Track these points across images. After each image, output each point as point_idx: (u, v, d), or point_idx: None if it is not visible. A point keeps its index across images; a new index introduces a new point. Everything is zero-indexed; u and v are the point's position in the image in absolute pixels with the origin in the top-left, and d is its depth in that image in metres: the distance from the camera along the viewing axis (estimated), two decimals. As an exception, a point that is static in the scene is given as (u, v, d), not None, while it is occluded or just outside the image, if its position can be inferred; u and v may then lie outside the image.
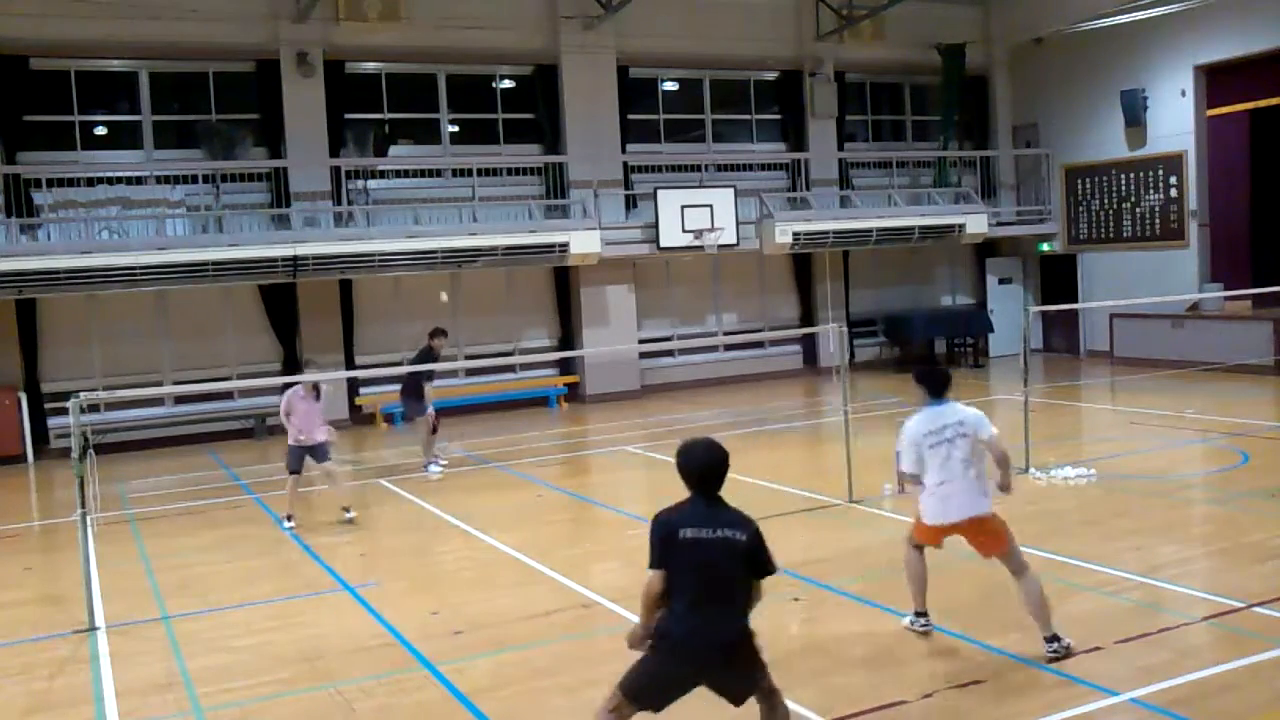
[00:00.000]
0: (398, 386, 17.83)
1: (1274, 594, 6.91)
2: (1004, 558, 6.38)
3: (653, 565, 4.56)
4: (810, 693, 5.78)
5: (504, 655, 6.66)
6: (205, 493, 12.65)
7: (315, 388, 10.81)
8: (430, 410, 13.02)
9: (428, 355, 13.16)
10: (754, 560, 4.55)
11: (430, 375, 13.00)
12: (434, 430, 13.30)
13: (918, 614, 6.68)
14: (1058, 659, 5.99)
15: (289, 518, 10.64)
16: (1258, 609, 6.66)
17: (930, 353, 21.77)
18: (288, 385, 11.06)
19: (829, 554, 8.57)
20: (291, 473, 10.74)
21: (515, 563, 8.85)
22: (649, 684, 4.56)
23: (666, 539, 4.53)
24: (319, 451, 10.75)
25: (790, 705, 5.62)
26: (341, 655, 6.85)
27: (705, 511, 4.56)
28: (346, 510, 10.77)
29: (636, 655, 4.61)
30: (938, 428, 6.44)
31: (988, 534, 6.41)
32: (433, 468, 13.14)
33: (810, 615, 7.18)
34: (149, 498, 12.51)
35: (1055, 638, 6.09)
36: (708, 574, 4.48)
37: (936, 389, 6.62)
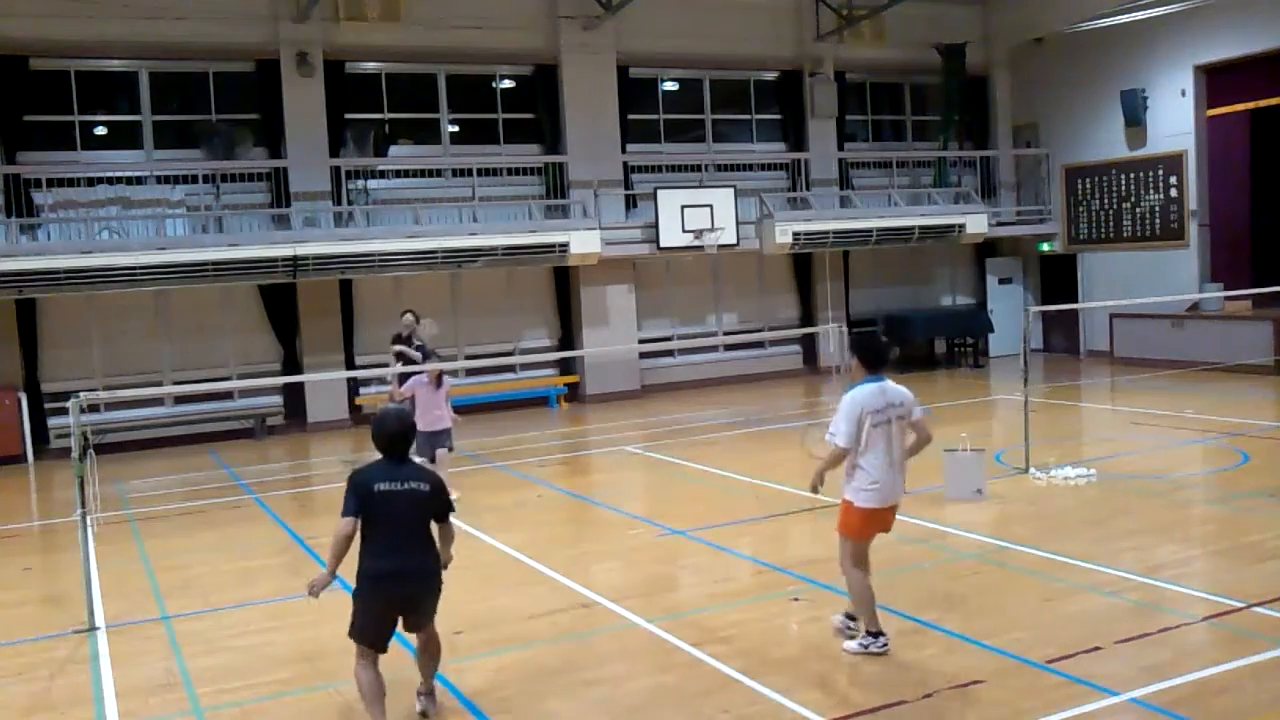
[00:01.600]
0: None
1: (1274, 594, 6.91)
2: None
3: (346, 513, 5.47)
4: (810, 693, 5.78)
5: (504, 655, 6.66)
6: (205, 493, 12.65)
7: (439, 376, 11.06)
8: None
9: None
10: (437, 506, 5.62)
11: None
12: None
13: (875, 634, 6.21)
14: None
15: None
16: (1258, 609, 6.66)
17: (930, 352, 21.79)
18: (408, 375, 11.27)
19: (829, 554, 8.53)
20: (430, 461, 10.96)
21: (515, 563, 8.85)
22: (367, 622, 5.52)
23: (362, 492, 5.45)
24: (441, 436, 11.03)
25: (790, 705, 5.65)
26: (341, 655, 6.83)
27: (394, 469, 5.54)
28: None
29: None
30: (883, 405, 6.10)
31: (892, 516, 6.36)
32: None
33: (810, 615, 7.17)
34: (149, 498, 12.50)
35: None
36: (400, 520, 5.46)
37: (876, 362, 6.25)
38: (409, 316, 13.05)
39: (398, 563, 5.44)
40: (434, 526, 5.68)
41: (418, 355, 12.22)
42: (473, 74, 18.75)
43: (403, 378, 11.42)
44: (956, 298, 22.98)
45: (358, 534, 5.49)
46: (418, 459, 10.96)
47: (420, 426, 10.58)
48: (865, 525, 6.26)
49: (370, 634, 5.52)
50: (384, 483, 5.46)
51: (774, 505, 10.26)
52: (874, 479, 6.09)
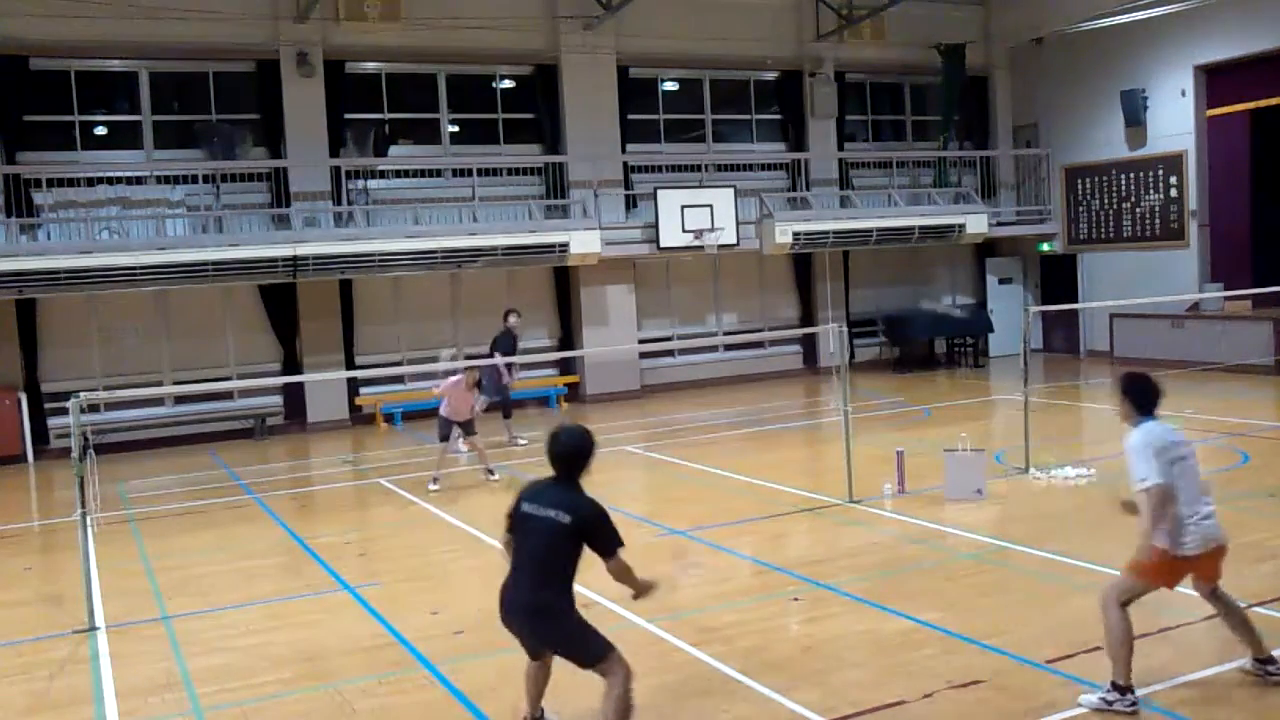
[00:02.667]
0: (397, 387, 18.03)
1: (1274, 594, 6.91)
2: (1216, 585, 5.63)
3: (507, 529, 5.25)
4: (810, 693, 5.78)
5: (504, 655, 6.64)
6: (205, 493, 12.65)
7: (478, 383, 12.30)
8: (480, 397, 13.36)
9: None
10: (584, 539, 5.08)
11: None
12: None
13: (1122, 689, 5.31)
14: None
15: (435, 479, 11.91)
16: (1258, 609, 6.65)
17: (930, 353, 21.79)
18: (450, 371, 12.38)
19: (829, 554, 8.57)
20: (441, 439, 12.18)
21: (515, 563, 8.84)
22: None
23: (512, 508, 5.21)
24: (468, 425, 12.26)
25: (790, 705, 5.65)
26: (341, 655, 6.85)
27: (547, 491, 5.14)
28: (490, 472, 12.22)
29: None
30: (1172, 442, 5.42)
31: (1220, 561, 5.55)
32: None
33: (810, 615, 7.18)
34: (149, 498, 12.50)
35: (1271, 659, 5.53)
36: (527, 547, 5.10)
37: (1148, 404, 5.59)
38: (514, 317, 14.77)
39: (512, 591, 5.14)
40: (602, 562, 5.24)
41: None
42: (473, 74, 18.76)
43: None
44: (956, 298, 22.98)
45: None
46: (443, 441, 11.94)
47: (448, 415, 12.06)
48: (1165, 573, 5.48)
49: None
50: (530, 503, 5.14)
51: (774, 506, 10.25)
52: (1188, 519, 5.38)
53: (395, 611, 7.59)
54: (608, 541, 5.10)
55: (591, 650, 5.09)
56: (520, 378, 18.79)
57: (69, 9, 15.23)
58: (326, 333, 17.19)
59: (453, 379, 12.11)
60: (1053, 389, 17.32)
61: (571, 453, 5.14)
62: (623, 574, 5.21)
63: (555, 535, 5.01)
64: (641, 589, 5.35)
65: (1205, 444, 12.34)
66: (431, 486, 11.85)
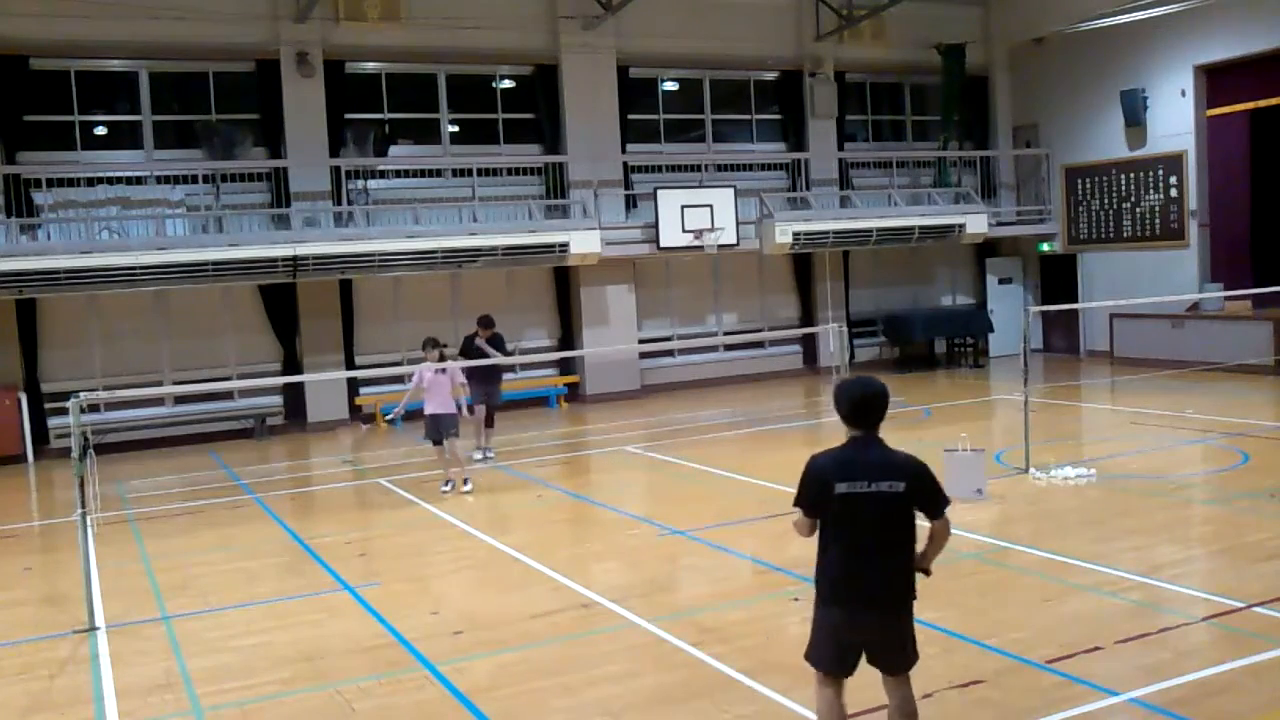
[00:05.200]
0: (397, 387, 18.00)
1: (1274, 594, 6.90)
2: None
3: (797, 504, 4.57)
4: (810, 692, 5.77)
5: (504, 655, 6.66)
6: (205, 493, 12.65)
7: (441, 358, 11.83)
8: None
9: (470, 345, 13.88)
10: (915, 504, 4.49)
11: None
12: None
13: None
14: None
15: (448, 482, 11.71)
16: (1258, 609, 6.66)
17: (930, 353, 21.78)
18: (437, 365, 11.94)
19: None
20: (434, 444, 11.82)
21: (515, 563, 8.85)
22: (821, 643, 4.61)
23: (815, 489, 4.48)
24: (445, 423, 11.62)
25: (791, 705, 5.65)
26: (341, 655, 6.85)
27: (862, 459, 4.45)
28: (465, 481, 11.77)
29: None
30: None
31: None
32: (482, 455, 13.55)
33: (810, 615, 7.16)
34: (149, 498, 12.50)
35: None
36: (863, 528, 4.44)
37: None
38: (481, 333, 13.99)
39: (851, 586, 4.47)
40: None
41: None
42: (473, 74, 18.75)
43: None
44: (956, 298, 22.98)
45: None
46: (431, 441, 11.66)
47: (428, 410, 11.68)
48: None
49: (821, 659, 4.63)
50: (846, 481, 4.38)
51: (774, 506, 10.25)
52: None
53: (395, 611, 7.59)
54: (938, 498, 4.46)
55: (914, 650, 4.59)
56: (521, 377, 18.89)
57: (69, 9, 15.24)
58: (326, 333, 17.19)
59: (424, 366, 11.64)
60: (1053, 389, 17.32)
61: (878, 399, 4.46)
62: (943, 536, 4.53)
63: (894, 510, 4.40)
64: (933, 559, 4.61)
65: (1205, 444, 12.37)
66: (444, 489, 11.66)
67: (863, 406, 4.48)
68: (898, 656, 4.56)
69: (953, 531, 4.62)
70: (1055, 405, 15.84)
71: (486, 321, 13.92)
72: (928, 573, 4.60)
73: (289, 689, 6.30)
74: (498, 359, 13.57)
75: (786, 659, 6.32)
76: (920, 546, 4.56)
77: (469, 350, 13.78)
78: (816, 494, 4.43)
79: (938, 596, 7.17)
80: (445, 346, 12.26)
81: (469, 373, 12.64)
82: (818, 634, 4.63)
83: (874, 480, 4.37)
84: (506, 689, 6.11)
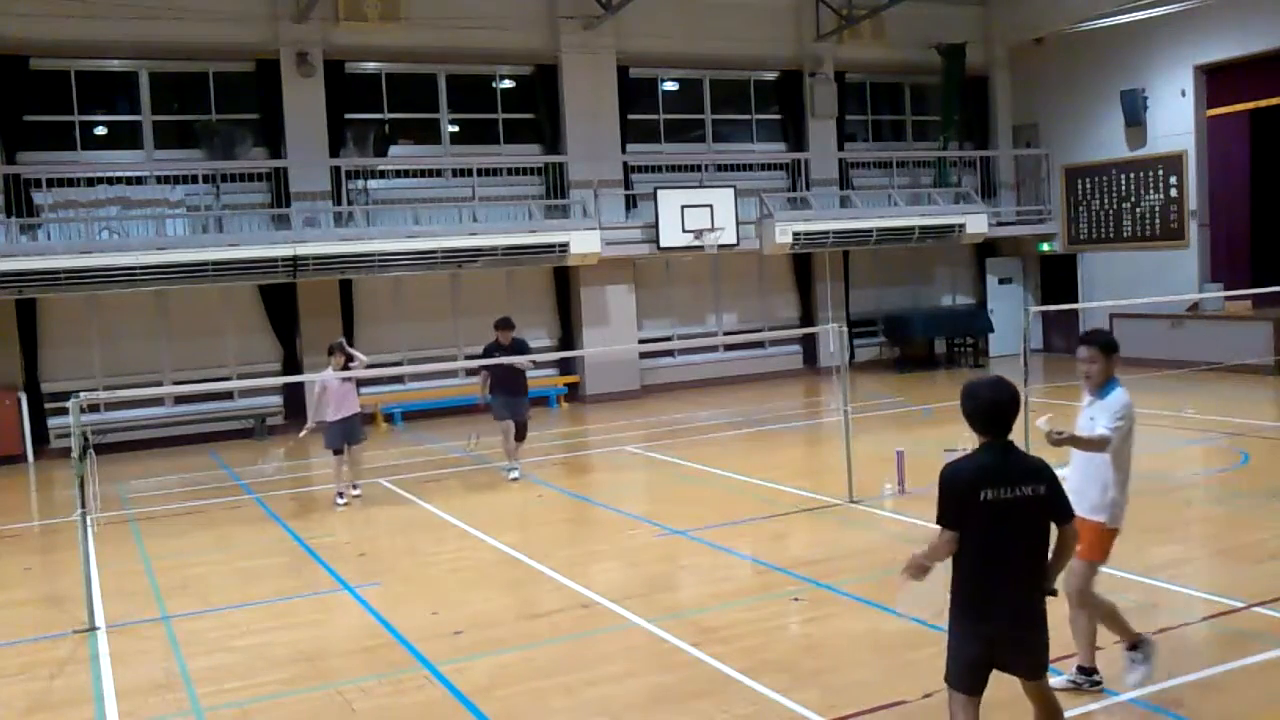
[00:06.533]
0: (397, 387, 18.02)
1: (1274, 594, 6.90)
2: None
3: (943, 523, 4.36)
4: (811, 693, 5.78)
5: (504, 655, 6.66)
6: (205, 493, 12.65)
7: (345, 366, 11.41)
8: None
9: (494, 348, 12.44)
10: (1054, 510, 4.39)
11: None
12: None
13: (1088, 670, 5.62)
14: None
15: (340, 495, 11.48)
16: (1257, 609, 6.66)
17: (930, 353, 21.78)
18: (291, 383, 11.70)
19: (829, 554, 8.57)
20: (335, 453, 11.48)
21: (515, 563, 8.85)
22: (958, 663, 4.48)
23: (956, 500, 4.29)
24: (355, 428, 11.53)
25: (790, 705, 5.65)
26: (341, 655, 6.86)
27: (1000, 463, 4.28)
28: (354, 486, 11.63)
29: None
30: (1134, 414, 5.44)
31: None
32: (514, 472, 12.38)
33: (810, 615, 7.18)
34: (149, 498, 12.51)
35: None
36: (1009, 536, 4.27)
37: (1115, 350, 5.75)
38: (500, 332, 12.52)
39: (994, 598, 4.29)
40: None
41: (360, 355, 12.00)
42: (473, 74, 18.76)
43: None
44: (956, 298, 22.98)
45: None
46: (332, 449, 11.39)
47: (330, 417, 11.34)
48: (1107, 548, 5.61)
49: (964, 680, 4.46)
50: (990, 488, 4.17)
51: (774, 506, 10.25)
52: (1123, 494, 5.58)
53: (395, 611, 7.59)
54: (1068, 502, 4.35)
55: (1047, 654, 4.45)
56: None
57: (69, 9, 15.23)
58: (326, 333, 17.08)
59: (325, 372, 11.38)
60: (1053, 389, 17.32)
61: (1011, 403, 4.24)
62: (1073, 541, 4.44)
63: (1039, 515, 4.23)
64: (1062, 564, 4.48)
65: (1205, 444, 12.37)
66: (339, 500, 11.39)
67: (999, 412, 4.27)
68: (1037, 661, 4.45)
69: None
70: (1055, 405, 15.83)
71: (508, 323, 12.54)
72: (1054, 593, 4.48)
73: (289, 689, 6.30)
74: (529, 367, 12.57)
75: (786, 659, 6.33)
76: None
77: (494, 361, 12.23)
78: (961, 504, 4.22)
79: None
80: (350, 351, 11.63)
81: (493, 385, 12.19)
82: (959, 653, 4.43)
83: (1018, 485, 4.19)
84: (506, 689, 6.11)
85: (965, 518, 4.22)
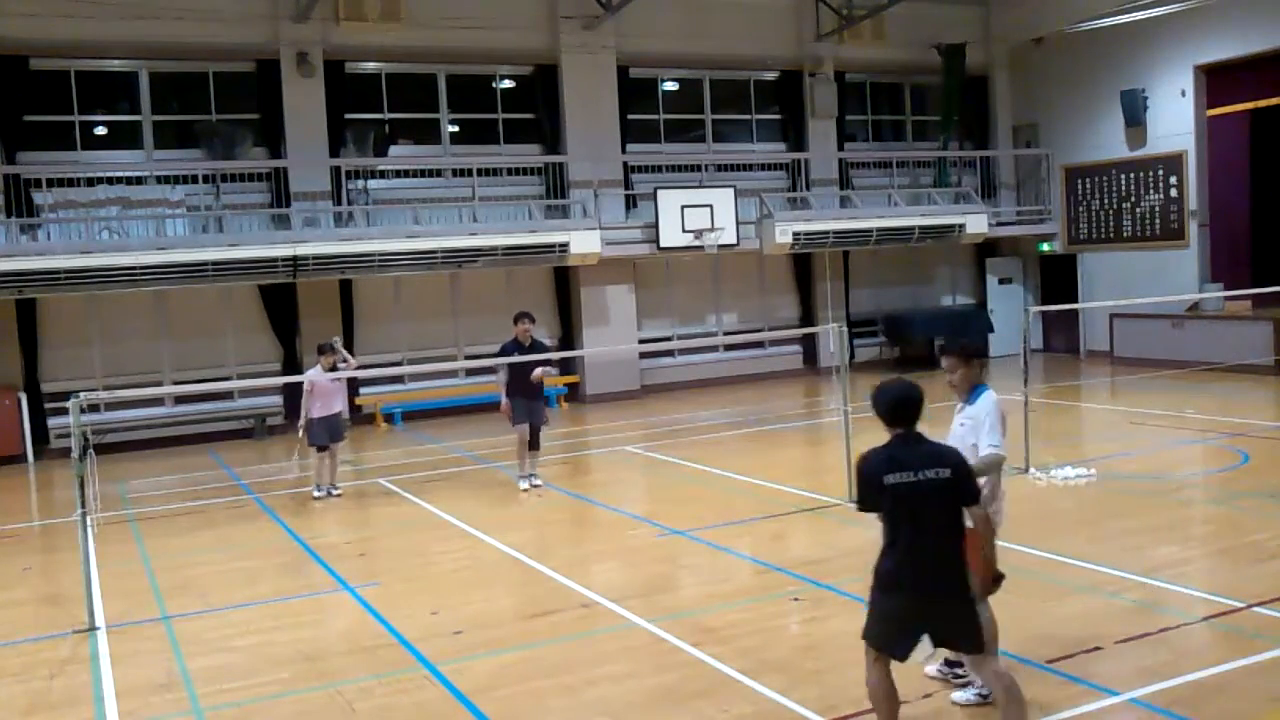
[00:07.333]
0: (397, 387, 18.02)
1: (1274, 594, 6.90)
2: None
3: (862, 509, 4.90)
4: (810, 692, 5.78)
5: (504, 655, 6.66)
6: (205, 493, 12.65)
7: (334, 366, 11.63)
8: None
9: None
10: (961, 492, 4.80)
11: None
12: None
13: (953, 662, 5.70)
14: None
15: (320, 487, 11.74)
16: (1258, 609, 6.66)
17: (930, 353, 21.75)
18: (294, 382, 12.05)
19: (829, 554, 8.57)
20: (319, 449, 11.71)
21: (515, 563, 8.85)
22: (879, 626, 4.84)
23: (869, 485, 4.76)
24: (338, 426, 11.77)
25: (790, 705, 5.65)
26: (341, 655, 6.86)
27: (906, 451, 4.76)
28: (334, 487, 11.85)
29: None
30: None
31: None
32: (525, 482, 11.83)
33: (810, 615, 7.18)
34: (149, 498, 12.51)
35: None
36: (920, 516, 4.70)
37: (981, 356, 5.87)
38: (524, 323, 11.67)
39: (915, 572, 4.68)
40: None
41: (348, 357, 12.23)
42: (473, 74, 18.75)
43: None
44: (956, 298, 22.98)
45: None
46: (314, 446, 11.59)
47: (316, 414, 11.54)
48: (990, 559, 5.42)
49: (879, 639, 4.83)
50: (896, 473, 4.63)
51: (774, 506, 10.25)
52: (1003, 498, 5.62)
53: (395, 611, 7.59)
54: (974, 485, 4.84)
55: (979, 629, 4.81)
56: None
57: (69, 9, 15.24)
58: (326, 332, 17.00)
59: (314, 370, 11.50)
60: (1052, 389, 17.33)
61: (916, 399, 4.81)
62: (987, 522, 4.90)
63: (945, 495, 4.68)
64: (990, 549, 4.96)
65: (1205, 444, 12.37)
66: (316, 493, 11.64)
67: (904, 407, 4.80)
68: (968, 637, 4.78)
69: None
70: (1055, 405, 15.84)
71: (529, 317, 11.72)
72: (1002, 575, 5.00)
73: (289, 689, 6.30)
74: (551, 372, 12.16)
75: (786, 659, 6.33)
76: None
77: (514, 364, 11.53)
78: (873, 489, 4.70)
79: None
80: (342, 353, 11.71)
81: (511, 388, 11.55)
82: (877, 618, 4.82)
83: (922, 470, 4.65)
84: (506, 689, 6.11)
85: (879, 502, 4.70)
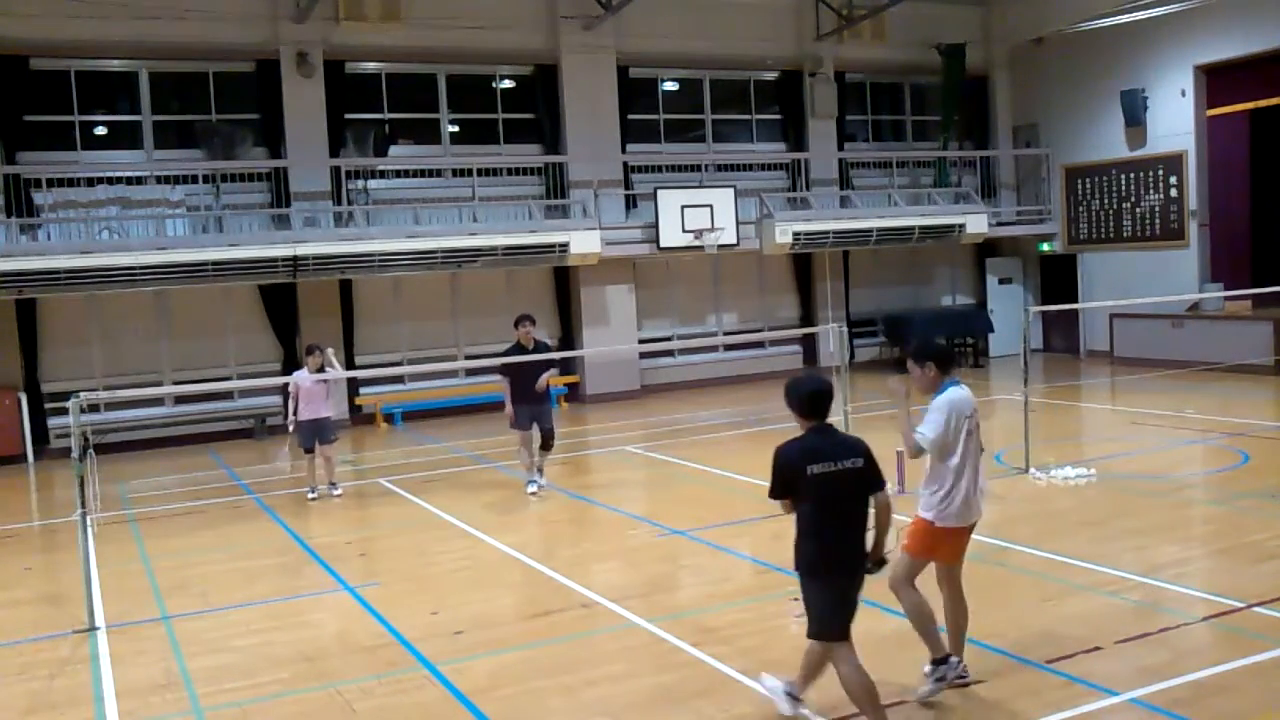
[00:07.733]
0: (397, 387, 18.02)
1: (1274, 594, 6.90)
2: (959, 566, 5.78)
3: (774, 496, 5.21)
4: (810, 692, 5.77)
5: (504, 655, 6.66)
6: (205, 493, 12.65)
7: (320, 368, 11.55)
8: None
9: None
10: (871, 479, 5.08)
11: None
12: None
13: (939, 662, 5.65)
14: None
15: (314, 489, 11.73)
16: (1258, 609, 6.66)
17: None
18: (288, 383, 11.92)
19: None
20: (306, 451, 11.75)
21: (515, 563, 8.85)
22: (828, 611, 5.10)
23: (786, 476, 5.06)
24: (326, 429, 11.75)
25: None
26: (341, 655, 6.86)
27: (822, 441, 5.05)
28: (334, 486, 11.87)
29: None
30: (970, 412, 5.62)
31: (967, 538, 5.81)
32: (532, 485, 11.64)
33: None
34: (149, 498, 12.51)
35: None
36: (840, 502, 5.01)
37: (950, 363, 5.79)
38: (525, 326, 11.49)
39: (842, 552, 4.98)
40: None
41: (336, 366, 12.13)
42: (473, 74, 18.75)
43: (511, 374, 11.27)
44: (956, 298, 22.98)
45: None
46: (303, 449, 11.64)
47: (301, 416, 11.56)
48: (930, 545, 5.71)
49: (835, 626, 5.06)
50: (817, 463, 4.91)
51: (774, 506, 10.24)
52: (955, 489, 5.58)
53: (395, 611, 7.59)
54: (881, 474, 5.08)
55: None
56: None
57: (69, 9, 15.24)
58: (327, 333, 17.12)
59: (300, 373, 11.50)
60: (1052, 389, 17.33)
61: (827, 392, 5.09)
62: (885, 511, 5.09)
63: (860, 484, 4.98)
64: (884, 534, 5.12)
65: (1205, 444, 12.37)
66: (310, 495, 11.65)
67: (817, 400, 5.06)
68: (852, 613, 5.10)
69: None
70: (1055, 405, 15.84)
71: (531, 320, 11.54)
72: (884, 561, 5.14)
73: (289, 689, 6.30)
74: (554, 374, 11.88)
75: (786, 659, 6.32)
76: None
77: (520, 364, 11.23)
78: (791, 479, 4.98)
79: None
80: (329, 358, 11.63)
81: (515, 392, 11.25)
82: (830, 605, 5.02)
83: (840, 459, 4.94)
84: (506, 689, 6.11)
85: (799, 490, 4.95)
